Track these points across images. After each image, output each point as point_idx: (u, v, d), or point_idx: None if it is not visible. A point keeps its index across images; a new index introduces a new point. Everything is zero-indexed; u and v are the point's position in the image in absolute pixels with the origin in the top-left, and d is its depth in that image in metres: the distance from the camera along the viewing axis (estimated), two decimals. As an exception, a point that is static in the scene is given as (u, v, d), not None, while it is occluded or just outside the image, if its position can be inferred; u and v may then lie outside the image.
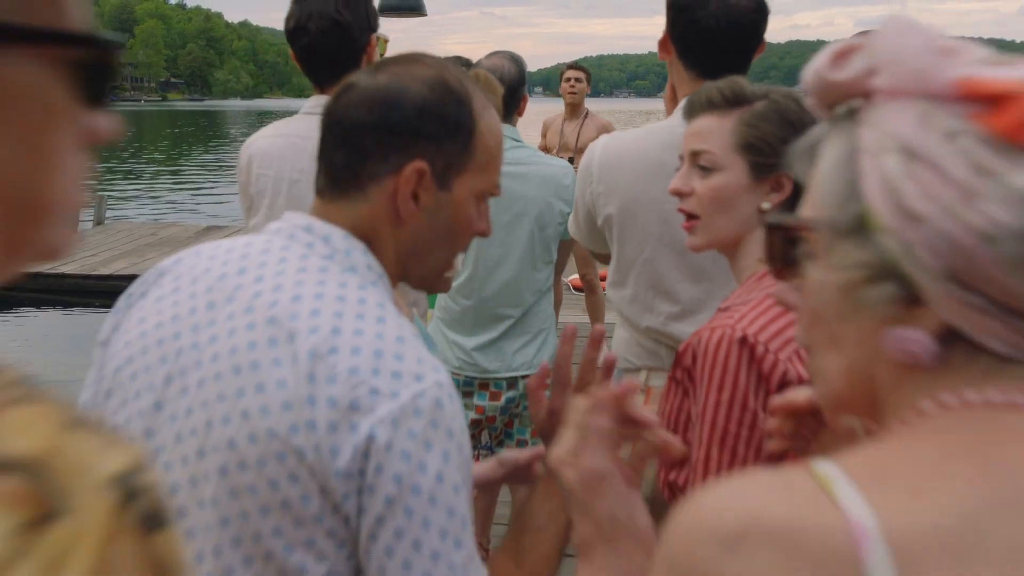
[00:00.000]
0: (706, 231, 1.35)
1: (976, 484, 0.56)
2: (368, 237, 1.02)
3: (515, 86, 2.64)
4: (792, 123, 1.29)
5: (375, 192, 1.01)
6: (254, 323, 0.95)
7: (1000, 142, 0.57)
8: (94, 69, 0.52)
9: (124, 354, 1.02)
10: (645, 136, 1.90)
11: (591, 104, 6.04)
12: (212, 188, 22.45)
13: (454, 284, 2.34)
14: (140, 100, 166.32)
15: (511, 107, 2.64)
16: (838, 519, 0.54)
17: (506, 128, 2.59)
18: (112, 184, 21.47)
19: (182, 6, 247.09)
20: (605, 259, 2.04)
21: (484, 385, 2.70)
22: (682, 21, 1.82)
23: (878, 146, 0.60)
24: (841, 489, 0.56)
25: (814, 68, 0.65)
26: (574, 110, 5.78)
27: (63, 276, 9.58)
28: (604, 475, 0.87)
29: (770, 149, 1.29)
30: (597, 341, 1.11)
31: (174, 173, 26.71)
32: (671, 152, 1.55)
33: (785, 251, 0.70)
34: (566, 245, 2.77)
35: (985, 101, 0.58)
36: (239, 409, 0.91)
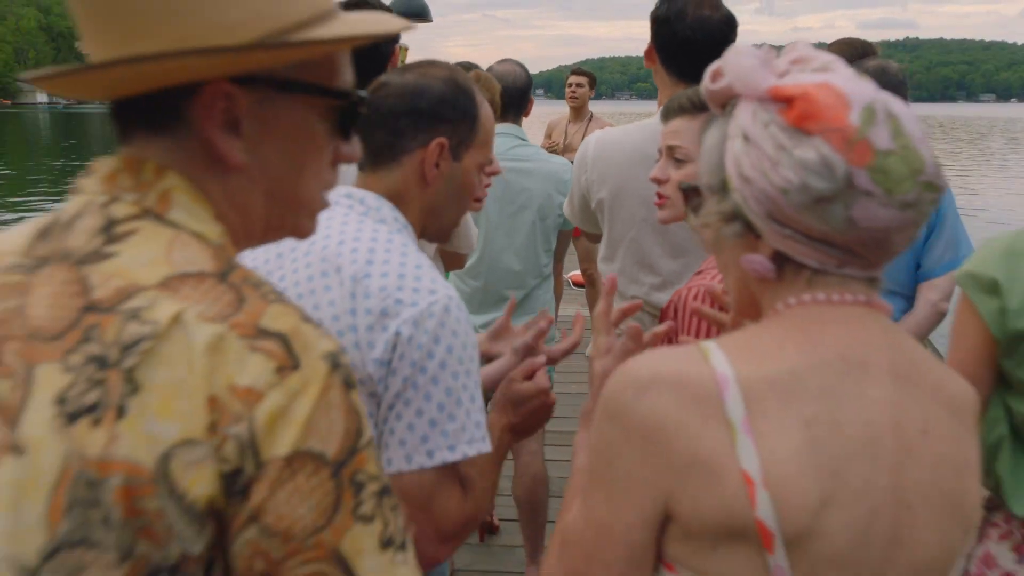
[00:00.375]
0: (672, 208, 1.65)
1: (800, 351, 0.86)
2: (398, 198, 1.35)
3: (524, 90, 2.92)
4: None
5: (407, 162, 1.34)
6: (311, 263, 1.28)
7: (791, 128, 0.85)
8: (346, 112, 0.84)
9: None
10: (631, 132, 2.19)
11: (594, 106, 6.25)
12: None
13: (465, 266, 2.61)
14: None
15: (519, 108, 2.92)
16: (710, 372, 0.85)
17: (512, 128, 2.87)
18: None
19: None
20: (596, 239, 2.33)
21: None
22: (664, 33, 2.12)
23: (732, 133, 0.91)
24: (714, 355, 0.86)
25: (703, 82, 0.94)
26: (577, 113, 6.04)
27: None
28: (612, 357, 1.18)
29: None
30: (613, 288, 1.37)
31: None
32: (653, 146, 1.84)
33: (693, 207, 0.99)
34: (564, 235, 3.05)
35: (784, 101, 0.86)
36: None
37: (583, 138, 5.95)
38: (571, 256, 4.71)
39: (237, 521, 0.69)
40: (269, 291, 0.76)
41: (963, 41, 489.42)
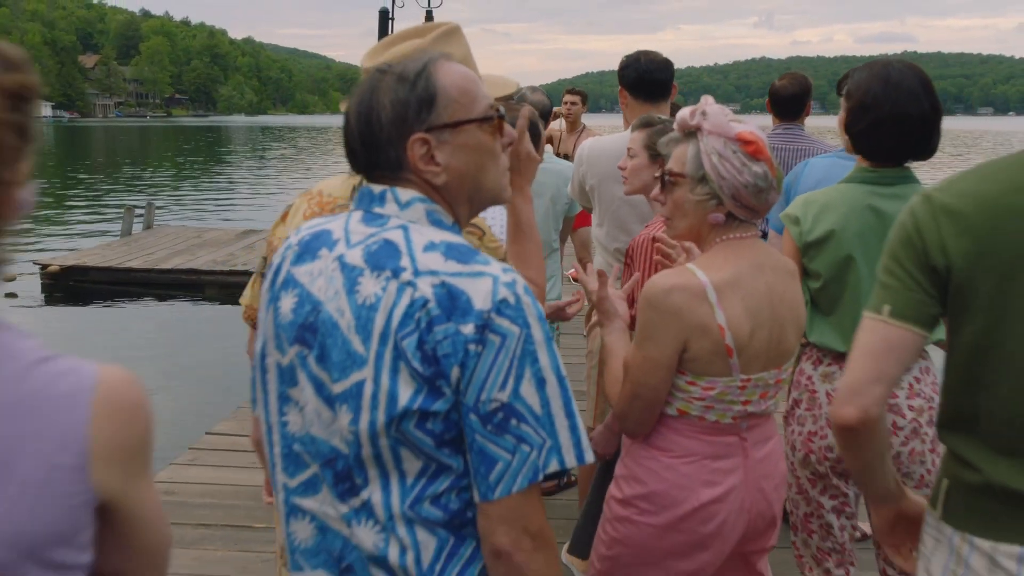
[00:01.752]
0: (629, 184, 2.72)
1: (735, 264, 1.79)
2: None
3: (547, 112, 4.02)
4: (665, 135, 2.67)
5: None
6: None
7: (749, 155, 1.80)
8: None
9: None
10: (611, 140, 3.28)
11: (594, 120, 7.33)
12: (231, 197, 23.81)
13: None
14: (146, 116, 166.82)
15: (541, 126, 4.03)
16: (697, 280, 1.75)
17: (531, 138, 3.98)
18: (148, 194, 22.82)
19: (187, 23, 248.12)
20: (590, 209, 3.42)
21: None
22: (630, 73, 3.27)
23: (707, 151, 1.79)
24: (696, 271, 1.76)
25: (682, 117, 1.91)
26: (572, 126, 7.13)
27: (130, 270, 10.96)
28: (609, 301, 2.14)
29: (658, 149, 2.66)
30: (604, 279, 2.43)
31: (191, 187, 28.03)
32: (624, 149, 2.93)
33: (664, 184, 2.06)
34: (568, 220, 4.12)
35: (744, 141, 1.83)
36: None
37: (574, 146, 7.06)
38: (569, 256, 5.56)
39: None
40: (492, 236, 1.62)
41: (961, 55, 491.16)
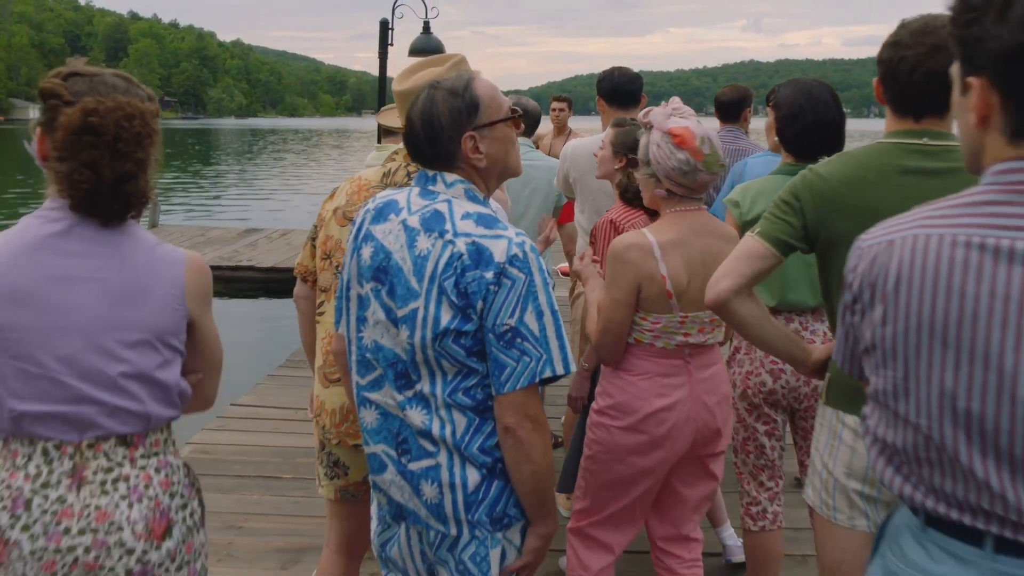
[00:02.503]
0: (599, 169, 3.31)
1: (678, 229, 2.35)
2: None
3: (538, 118, 4.63)
4: (632, 135, 3.26)
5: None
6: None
7: (676, 145, 2.37)
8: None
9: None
10: (590, 140, 3.88)
11: (585, 122, 7.92)
12: (225, 198, 24.29)
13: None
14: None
15: (532, 129, 4.61)
16: (647, 240, 2.32)
17: (525, 140, 4.55)
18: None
19: (175, 25, 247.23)
20: (573, 198, 4.01)
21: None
22: (605, 86, 3.91)
23: (651, 141, 2.37)
24: (648, 234, 2.33)
25: (641, 115, 2.55)
26: (560, 130, 7.76)
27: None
28: (590, 269, 2.73)
29: (624, 145, 3.25)
30: (587, 258, 3.04)
31: (192, 188, 28.46)
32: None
33: (629, 168, 2.66)
34: (557, 208, 4.71)
35: (672, 134, 2.36)
36: None
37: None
38: (557, 253, 6.07)
39: None
40: None
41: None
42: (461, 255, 1.72)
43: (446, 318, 1.73)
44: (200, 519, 1.81)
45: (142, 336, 1.69)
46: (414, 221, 1.81)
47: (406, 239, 1.80)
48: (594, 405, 2.52)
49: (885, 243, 1.24)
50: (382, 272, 1.82)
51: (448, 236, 1.75)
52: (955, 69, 1.21)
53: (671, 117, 2.43)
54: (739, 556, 3.49)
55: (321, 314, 2.49)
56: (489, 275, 1.71)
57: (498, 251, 1.72)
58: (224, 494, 4.21)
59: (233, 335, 9.39)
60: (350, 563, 2.58)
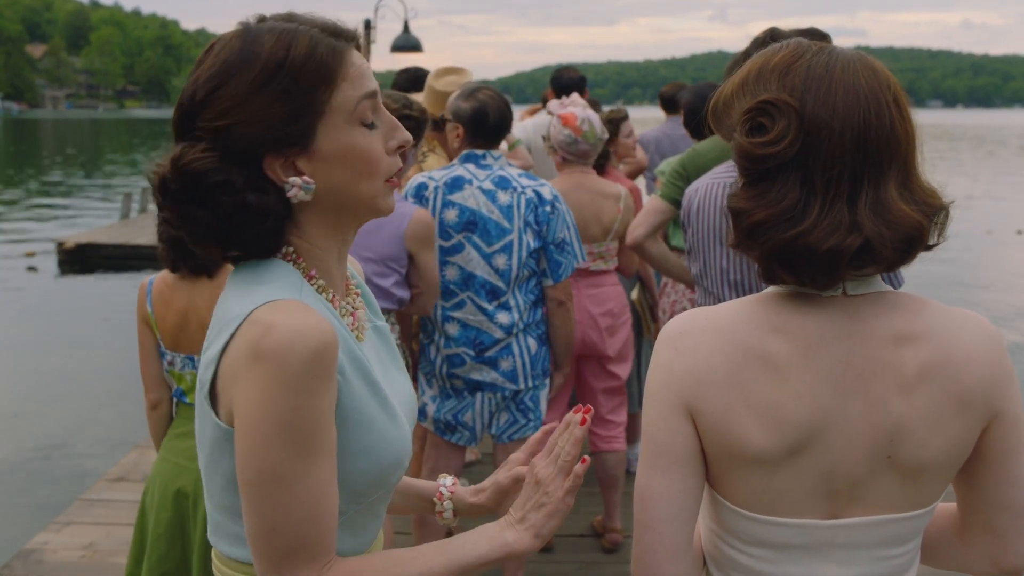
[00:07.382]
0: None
1: (565, 186, 3.34)
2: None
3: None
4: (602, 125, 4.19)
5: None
6: None
7: (563, 125, 3.28)
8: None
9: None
10: (541, 118, 4.84)
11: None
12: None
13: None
14: (98, 108, 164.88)
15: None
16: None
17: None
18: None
19: (138, 13, 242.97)
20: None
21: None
22: (553, 82, 5.03)
23: (551, 123, 3.41)
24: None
25: (548, 106, 3.54)
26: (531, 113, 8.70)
27: (138, 247, 12.18)
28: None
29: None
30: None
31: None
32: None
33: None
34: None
35: (561, 118, 3.35)
36: None
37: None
38: None
39: None
40: None
41: (911, 50, 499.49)
42: (531, 200, 2.74)
43: (531, 242, 2.74)
44: None
45: (371, 255, 2.60)
46: (488, 184, 2.74)
47: (486, 198, 2.72)
48: None
49: (694, 190, 2.33)
50: (471, 224, 2.72)
51: (519, 189, 2.75)
52: None
53: (565, 107, 3.43)
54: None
55: None
56: (547, 208, 2.76)
57: (547, 193, 2.78)
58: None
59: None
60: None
